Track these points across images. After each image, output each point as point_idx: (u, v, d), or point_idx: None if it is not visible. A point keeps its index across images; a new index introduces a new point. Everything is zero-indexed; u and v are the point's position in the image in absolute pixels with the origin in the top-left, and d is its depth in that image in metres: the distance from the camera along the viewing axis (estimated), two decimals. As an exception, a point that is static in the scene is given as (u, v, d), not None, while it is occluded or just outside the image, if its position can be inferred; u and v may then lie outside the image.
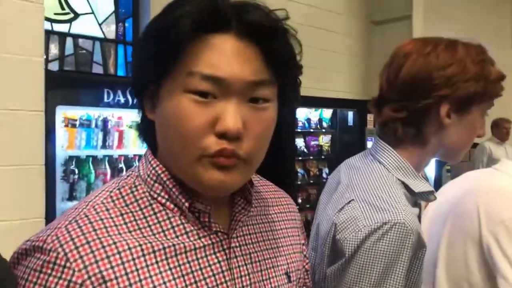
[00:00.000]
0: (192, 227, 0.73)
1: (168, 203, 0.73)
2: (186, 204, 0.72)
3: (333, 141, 5.50)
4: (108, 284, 0.65)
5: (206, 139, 0.68)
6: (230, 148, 0.68)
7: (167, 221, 0.72)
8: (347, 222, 0.94)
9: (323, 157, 5.38)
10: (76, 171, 2.94)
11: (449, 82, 1.01)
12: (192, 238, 0.72)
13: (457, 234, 1.14)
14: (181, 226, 0.73)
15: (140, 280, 0.67)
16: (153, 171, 0.75)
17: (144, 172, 0.76)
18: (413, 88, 1.03)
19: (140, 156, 3.20)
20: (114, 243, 0.68)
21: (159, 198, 0.73)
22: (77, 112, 2.92)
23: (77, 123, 2.91)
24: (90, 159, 3.00)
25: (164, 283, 0.68)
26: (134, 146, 3.18)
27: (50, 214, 2.66)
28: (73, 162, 2.93)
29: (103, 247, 0.67)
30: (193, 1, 0.68)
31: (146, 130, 0.78)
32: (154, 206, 0.73)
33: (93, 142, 2.99)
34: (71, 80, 2.85)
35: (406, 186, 1.03)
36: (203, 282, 0.71)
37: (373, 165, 1.05)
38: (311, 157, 5.29)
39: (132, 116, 3.17)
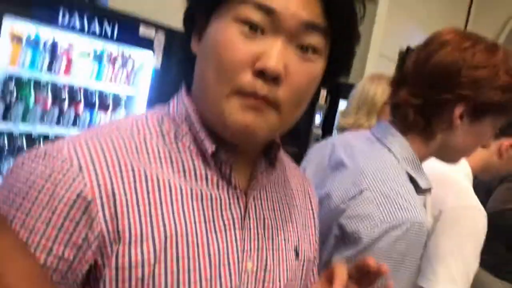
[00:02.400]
0: (213, 174, 0.69)
1: (192, 147, 0.69)
2: (210, 150, 0.67)
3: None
4: (118, 209, 0.60)
5: (242, 76, 0.63)
6: (261, 93, 0.63)
7: (190, 162, 0.68)
8: (362, 215, 0.90)
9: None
10: (15, 91, 2.68)
11: (475, 85, 0.97)
12: (210, 186, 0.68)
13: None
14: (203, 171, 0.68)
15: (151, 214, 0.63)
16: (183, 110, 0.70)
17: (174, 110, 0.71)
18: (438, 78, 0.98)
19: (86, 89, 2.99)
20: (132, 169, 0.63)
21: (184, 140, 0.69)
22: (25, 28, 2.63)
23: (24, 40, 2.63)
24: (32, 81, 2.75)
25: (175, 223, 0.64)
26: (82, 77, 2.94)
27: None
28: (13, 82, 2.67)
29: (120, 170, 0.62)
30: None
31: (187, 65, 0.72)
32: (179, 144, 0.69)
33: (38, 64, 2.73)
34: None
35: (412, 180, 1.00)
36: (213, 234, 0.67)
37: (382, 153, 1.01)
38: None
39: (85, 44, 2.93)
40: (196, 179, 0.68)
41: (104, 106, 3.13)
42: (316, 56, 0.67)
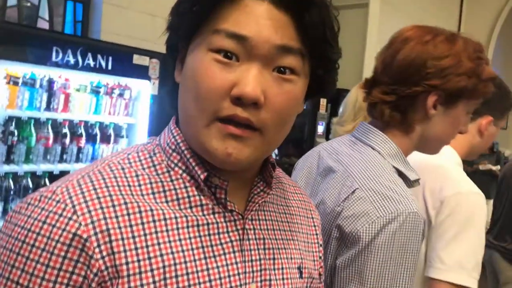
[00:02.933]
0: (207, 201, 0.69)
1: (184, 175, 0.69)
2: (202, 177, 0.67)
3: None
4: (114, 244, 0.60)
5: (221, 103, 0.63)
6: (243, 115, 0.63)
7: (184, 190, 0.68)
8: (357, 214, 0.92)
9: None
10: (16, 132, 2.71)
11: (442, 73, 1.01)
12: (205, 212, 0.68)
13: None
14: (197, 198, 0.68)
15: (147, 246, 0.63)
16: (172, 140, 0.71)
17: (164, 141, 0.72)
18: (406, 74, 1.02)
19: (86, 122, 3.01)
20: (125, 203, 0.63)
21: (176, 169, 0.69)
22: (20, 69, 2.67)
23: (20, 81, 2.67)
24: (32, 121, 2.78)
25: (172, 253, 0.64)
26: (81, 111, 2.97)
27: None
28: (13, 123, 2.70)
29: (113, 205, 0.62)
30: None
31: (175, 95, 0.72)
32: (172, 173, 0.69)
33: (36, 103, 2.76)
34: (16, 33, 2.60)
35: (400, 174, 1.03)
36: (212, 259, 0.66)
37: (368, 152, 1.04)
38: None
39: (81, 78, 2.96)
40: (190, 207, 0.68)
41: (105, 138, 3.15)
42: (294, 77, 0.66)
